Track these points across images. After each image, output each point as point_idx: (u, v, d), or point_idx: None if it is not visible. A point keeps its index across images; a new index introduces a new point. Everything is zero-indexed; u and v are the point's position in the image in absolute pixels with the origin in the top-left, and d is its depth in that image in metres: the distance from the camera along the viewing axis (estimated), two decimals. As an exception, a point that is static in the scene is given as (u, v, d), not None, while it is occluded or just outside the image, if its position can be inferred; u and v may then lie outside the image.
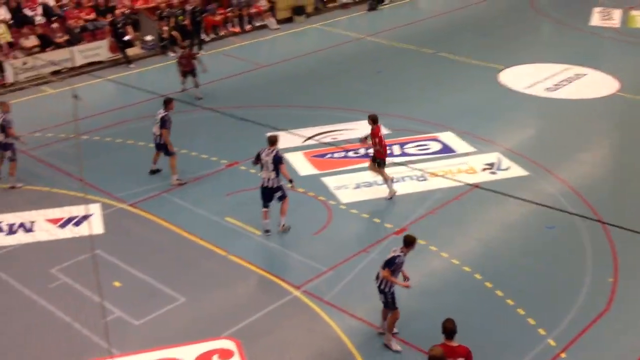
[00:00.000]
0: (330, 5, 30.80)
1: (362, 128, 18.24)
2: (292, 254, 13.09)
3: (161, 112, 15.15)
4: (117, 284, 12.11)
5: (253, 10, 27.68)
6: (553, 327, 11.20)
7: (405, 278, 10.78)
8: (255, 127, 14.57)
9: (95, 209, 14.30)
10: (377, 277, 10.66)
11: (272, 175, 13.36)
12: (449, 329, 8.75)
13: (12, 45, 22.08)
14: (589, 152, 17.46)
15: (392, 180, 15.00)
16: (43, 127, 17.26)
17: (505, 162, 16.58)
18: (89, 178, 14.68)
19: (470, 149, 17.24)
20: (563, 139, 18.08)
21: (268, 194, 13.56)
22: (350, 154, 16.78)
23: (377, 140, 14.68)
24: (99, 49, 23.50)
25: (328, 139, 17.19)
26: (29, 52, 21.93)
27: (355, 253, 13.04)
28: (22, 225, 13.80)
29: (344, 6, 30.92)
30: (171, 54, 24.50)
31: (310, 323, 11.32)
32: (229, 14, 27.10)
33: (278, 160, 13.31)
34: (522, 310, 11.59)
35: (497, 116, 19.42)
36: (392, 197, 14.95)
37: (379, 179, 15.47)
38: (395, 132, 18.06)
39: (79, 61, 22.89)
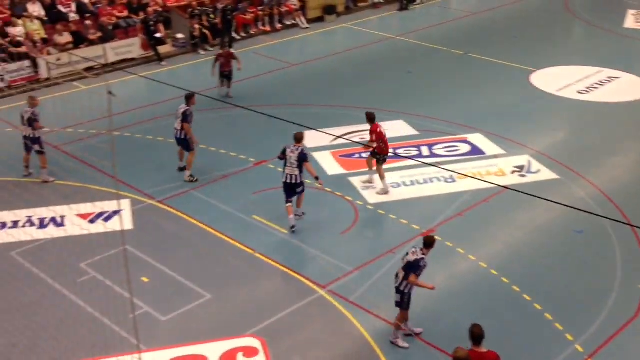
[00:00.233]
0: (361, 4, 30.74)
1: (391, 128, 18.23)
2: (318, 253, 13.10)
3: (183, 107, 15.24)
4: (145, 279, 12.24)
5: (284, 9, 27.74)
6: (581, 332, 11.07)
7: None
8: (284, 126, 14.54)
9: (124, 205, 14.45)
10: (397, 276, 10.63)
11: (296, 172, 13.52)
12: (477, 334, 8.62)
13: (46, 42, 22.40)
14: (620, 156, 17.22)
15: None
16: (76, 123, 17.48)
17: (535, 165, 16.42)
18: (119, 174, 14.83)
19: (500, 151, 17.10)
20: (594, 142, 17.85)
21: (290, 189, 13.72)
22: (379, 154, 16.72)
23: (374, 137, 14.82)
24: (131, 47, 23.74)
25: (356, 139, 17.16)
26: (62, 48, 22.24)
27: (381, 254, 13.02)
28: (53, 219, 13.99)
29: (375, 6, 30.86)
30: (202, 52, 24.69)
31: (335, 323, 11.32)
32: (260, 13, 27.20)
33: (303, 158, 13.48)
34: (550, 315, 11.47)
35: (528, 118, 19.23)
36: (384, 193, 15.04)
37: (407, 180, 15.46)
38: (424, 132, 17.99)
39: (111, 58, 23.16)
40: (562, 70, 22.98)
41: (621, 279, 12.44)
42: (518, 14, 29.94)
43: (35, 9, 23.12)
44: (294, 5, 27.98)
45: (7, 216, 13.89)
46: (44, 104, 15.53)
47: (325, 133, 16.46)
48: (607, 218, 13.59)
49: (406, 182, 15.60)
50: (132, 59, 23.69)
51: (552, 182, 15.68)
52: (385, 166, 15.66)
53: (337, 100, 20.39)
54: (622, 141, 18.03)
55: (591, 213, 13.68)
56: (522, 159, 16.68)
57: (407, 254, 10.54)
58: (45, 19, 23.16)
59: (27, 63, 21.28)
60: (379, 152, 14.98)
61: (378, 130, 14.87)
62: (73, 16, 23.82)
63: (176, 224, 14.14)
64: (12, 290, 11.64)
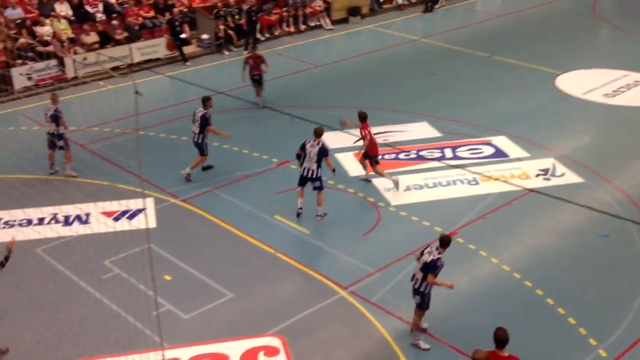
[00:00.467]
0: (386, 6, 30.70)
1: (414, 130, 18.25)
2: (340, 254, 13.11)
3: (200, 111, 15.28)
4: (167, 277, 12.33)
5: (308, 10, 27.79)
6: (604, 337, 10.96)
7: None
8: (308, 127, 14.63)
9: (148, 204, 14.57)
10: (414, 278, 10.59)
11: (314, 166, 13.77)
12: (501, 338, 8.58)
13: (73, 41, 22.66)
14: (647, 160, 17.03)
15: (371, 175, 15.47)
16: (102, 122, 17.67)
17: (560, 168, 16.29)
18: (143, 173, 14.95)
19: (524, 154, 16.99)
20: (620, 146, 17.65)
21: (306, 181, 14.03)
22: (402, 155, 16.71)
23: (362, 135, 14.96)
24: (157, 47, 23.93)
25: (379, 140, 17.14)
26: (89, 48, 22.48)
27: (403, 255, 12.98)
28: (78, 216, 14.15)
29: (400, 7, 30.79)
30: (226, 53, 24.82)
31: (357, 324, 11.32)
32: (285, 14, 27.28)
33: (324, 153, 13.76)
34: (573, 319, 11.37)
35: (553, 121, 19.07)
36: (396, 184, 15.14)
37: (430, 182, 15.44)
38: (447, 135, 17.93)
39: (137, 58, 23.37)
40: (588, 73, 22.75)
41: (646, 284, 12.31)
42: (544, 17, 29.70)
43: (63, 9, 23.40)
44: (319, 6, 28.02)
45: (33, 213, 14.07)
46: (71, 103, 15.73)
47: (350, 133, 16.46)
48: (633, 222, 13.45)
49: (429, 184, 15.55)
50: (157, 59, 23.87)
51: (577, 185, 15.54)
52: (407, 168, 15.69)
53: (360, 101, 20.33)
54: (648, 145, 17.83)
55: (617, 216, 13.57)
56: (547, 162, 16.55)
57: (422, 254, 10.51)
58: (73, 18, 23.44)
59: (54, 62, 21.54)
60: (369, 154, 15.13)
61: (367, 130, 15.03)
62: (100, 16, 24.08)
63: (199, 223, 14.23)
64: (37, 287, 11.77)
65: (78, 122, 16.25)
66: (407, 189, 15.40)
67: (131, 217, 14.01)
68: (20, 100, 20.01)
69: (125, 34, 23.46)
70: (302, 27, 27.60)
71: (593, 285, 12.33)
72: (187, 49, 24.31)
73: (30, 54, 21.20)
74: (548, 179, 15.82)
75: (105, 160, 16.19)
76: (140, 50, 23.49)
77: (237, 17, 25.44)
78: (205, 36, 24.97)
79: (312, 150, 13.76)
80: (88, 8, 24.12)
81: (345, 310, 11.64)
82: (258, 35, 25.80)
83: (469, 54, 24.67)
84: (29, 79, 21.06)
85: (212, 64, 24.01)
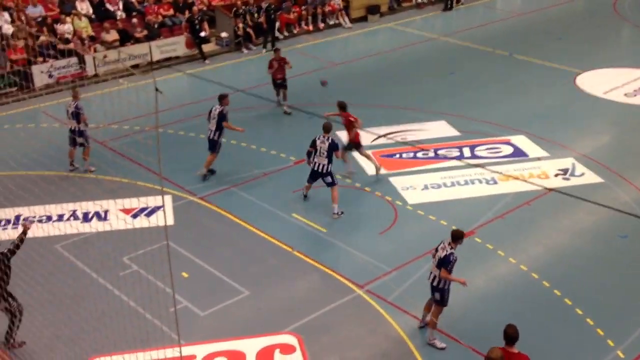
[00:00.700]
0: (405, 4, 30.60)
1: (433, 129, 18.18)
2: (356, 253, 13.11)
3: (217, 108, 15.33)
4: (184, 274, 12.40)
5: (327, 9, 27.78)
6: (622, 338, 10.87)
7: None
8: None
9: (166, 201, 14.66)
10: (432, 275, 10.62)
11: (325, 161, 14.02)
12: (510, 335, 8.65)
13: (93, 39, 22.84)
14: (668, 160, 16.84)
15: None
16: (122, 119, 17.79)
17: (580, 168, 16.16)
18: (162, 170, 15.03)
19: (544, 153, 16.87)
20: (641, 146, 17.50)
21: (317, 177, 14.26)
22: (420, 154, 16.67)
23: (351, 121, 15.19)
24: (176, 45, 24.04)
25: (397, 139, 17.12)
26: (109, 45, 22.64)
27: (420, 255, 12.95)
28: (97, 213, 14.27)
29: (419, 6, 30.68)
30: (245, 51, 24.88)
31: (373, 323, 11.31)
32: (303, 12, 27.29)
33: (334, 147, 14.03)
34: (591, 320, 11.29)
35: (573, 121, 18.92)
36: (378, 173, 15.47)
37: (448, 181, 15.41)
38: (466, 134, 17.84)
39: (156, 56, 23.49)
40: (609, 72, 22.53)
41: (666, 286, 12.18)
42: (564, 15, 29.46)
43: (84, 7, 23.58)
44: (338, 4, 28.00)
45: (53, 209, 14.20)
46: (91, 100, 15.85)
47: (368, 132, 16.46)
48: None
49: (447, 184, 15.50)
50: (177, 57, 23.99)
51: (597, 185, 15.41)
52: (425, 167, 15.65)
53: (379, 100, 20.35)
54: (670, 145, 17.63)
55: (636, 217, 13.43)
56: (566, 162, 16.42)
57: (436, 250, 10.54)
58: (93, 16, 23.62)
59: (74, 60, 21.71)
60: (350, 141, 15.47)
61: (349, 119, 15.27)
62: (120, 14, 24.25)
63: (216, 220, 14.29)
64: (56, 283, 11.88)
65: (98, 119, 16.36)
66: (424, 187, 15.35)
67: (149, 214, 14.10)
68: (40, 97, 20.20)
69: (145, 32, 23.59)
70: (321, 25, 27.59)
71: (612, 286, 12.23)
72: (206, 47, 24.41)
73: (51, 52, 21.40)
74: (567, 179, 15.70)
75: (125, 157, 16.31)
76: (159, 48, 23.62)
77: (256, 15, 25.49)
78: (224, 34, 25.05)
79: (323, 146, 14.05)
80: (108, 6, 24.29)
81: (361, 309, 11.64)
82: (277, 34, 25.84)
83: (489, 53, 24.53)
84: (50, 76, 21.25)
85: (230, 62, 24.08)
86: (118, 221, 13.67)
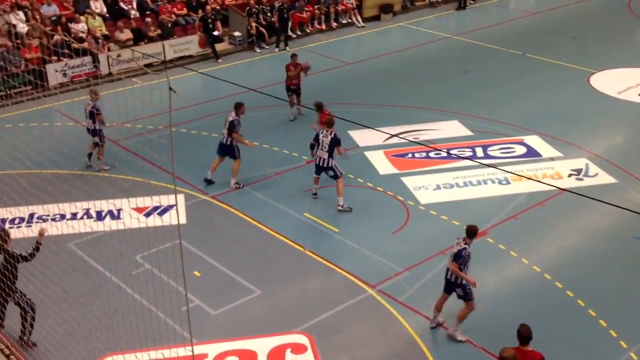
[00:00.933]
0: (418, 3, 30.54)
1: (446, 129, 18.13)
2: (368, 253, 13.09)
3: (231, 116, 15.20)
4: (196, 273, 12.44)
5: (340, 8, 27.76)
6: (636, 339, 10.82)
7: None
8: (339, 124, 14.64)
9: (178, 200, 14.70)
10: (449, 271, 10.73)
11: (325, 155, 14.26)
12: (523, 334, 8.70)
13: (107, 38, 22.94)
14: (683, 161, 16.70)
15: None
16: (134, 118, 17.85)
17: (593, 168, 16.07)
18: (175, 169, 15.07)
19: (557, 153, 16.80)
20: (656, 146, 17.37)
21: (320, 170, 14.52)
22: (432, 154, 16.63)
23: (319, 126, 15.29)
24: (189, 44, 24.10)
25: (410, 139, 17.09)
26: (123, 45, 22.73)
27: (432, 255, 12.94)
28: (110, 211, 14.34)
29: (432, 5, 30.61)
30: (258, 50, 24.91)
31: (384, 323, 11.31)
32: (316, 11, 27.28)
33: (336, 142, 14.18)
34: (604, 321, 11.24)
35: (587, 121, 18.82)
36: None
37: (460, 181, 15.38)
38: (479, 133, 17.79)
39: (170, 55, 23.55)
40: (623, 72, 22.39)
41: (680, 288, 12.09)
42: (578, 14, 29.29)
43: (98, 6, 23.70)
44: (350, 3, 27.97)
45: (67, 208, 14.27)
46: (105, 99, 15.92)
47: (382, 132, 16.46)
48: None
49: (459, 183, 15.46)
50: (190, 56, 24.05)
51: (610, 186, 15.32)
52: (437, 166, 15.61)
53: (391, 99, 20.32)
54: (685, 146, 17.49)
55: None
56: (580, 162, 16.34)
57: (453, 246, 10.68)
58: (107, 15, 23.73)
59: (88, 59, 21.82)
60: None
61: (324, 120, 15.33)
62: (134, 13, 24.35)
63: (228, 219, 14.33)
64: (70, 281, 11.96)
65: (112, 118, 16.40)
66: (437, 187, 15.32)
67: (162, 212, 14.15)
68: (54, 96, 20.31)
69: (159, 31, 23.68)
70: (334, 24, 27.58)
71: (625, 288, 12.16)
72: (219, 46, 24.45)
73: (65, 51, 21.51)
74: (581, 179, 15.63)
75: (138, 156, 16.37)
76: (172, 48, 23.68)
77: (269, 14, 25.52)
78: (237, 33, 25.09)
79: (325, 140, 14.24)
80: (122, 5, 24.40)
81: (373, 309, 11.63)
82: (290, 33, 25.85)
83: (502, 52, 24.43)
84: (64, 75, 21.36)
85: (243, 61, 24.12)
86: (131, 220, 13.72)
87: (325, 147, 14.27)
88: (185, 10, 25.37)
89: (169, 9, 25.06)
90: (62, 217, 14.12)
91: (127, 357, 10.21)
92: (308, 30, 26.94)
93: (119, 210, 14.34)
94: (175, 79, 21.39)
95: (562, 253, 13.20)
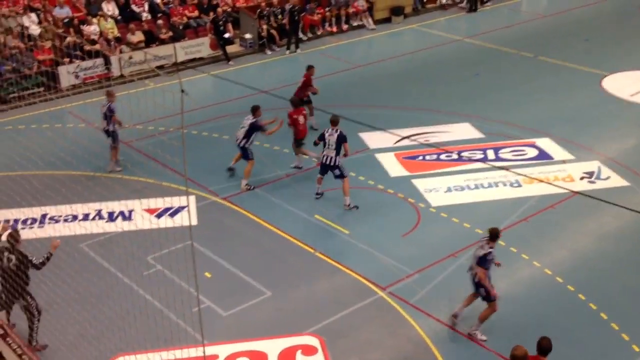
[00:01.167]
0: (429, 6, 30.49)
1: (457, 131, 18.10)
2: (379, 255, 13.08)
3: (250, 119, 15.33)
4: (207, 274, 12.48)
5: (351, 10, 27.77)
6: (648, 344, 10.75)
7: (497, 264, 10.97)
8: (349, 126, 14.66)
9: (189, 201, 14.74)
10: (472, 271, 10.79)
11: (332, 153, 14.33)
12: (544, 347, 8.59)
13: (119, 40, 23.05)
14: (696, 164, 16.60)
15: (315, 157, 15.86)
16: (146, 120, 17.92)
17: (605, 171, 16.00)
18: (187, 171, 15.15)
19: (569, 156, 16.73)
20: (669, 149, 17.27)
21: (326, 169, 14.57)
22: (443, 156, 16.60)
23: (289, 122, 15.80)
24: (200, 46, 24.17)
25: (421, 141, 17.07)
26: (134, 47, 22.83)
27: (443, 257, 12.92)
28: (121, 213, 14.40)
29: (444, 7, 30.56)
30: (268, 52, 24.95)
31: (395, 325, 11.30)
32: (327, 14, 27.30)
33: (343, 139, 14.32)
34: (616, 324, 11.18)
35: (599, 124, 18.73)
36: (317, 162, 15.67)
37: (472, 183, 15.38)
38: (490, 136, 17.75)
39: (181, 57, 23.63)
40: (636, 74, 22.26)
41: (693, 292, 12.02)
42: (591, 17, 29.15)
43: (110, 8, 23.81)
44: (361, 6, 27.97)
45: (79, 209, 14.35)
46: (117, 101, 16.00)
47: (393, 133, 16.45)
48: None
49: (470, 186, 15.43)
50: (201, 58, 24.12)
51: (622, 189, 15.24)
52: (448, 169, 15.62)
53: (402, 101, 20.30)
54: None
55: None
56: (592, 165, 16.27)
57: (477, 248, 10.74)
58: (119, 18, 23.84)
59: (100, 61, 21.93)
60: (296, 137, 16.03)
61: (293, 117, 15.78)
62: (145, 16, 24.44)
63: (239, 221, 14.36)
64: (82, 281, 12.02)
65: (124, 119, 16.46)
66: (448, 190, 15.30)
67: (173, 214, 14.19)
68: (67, 98, 20.42)
69: (170, 34, 23.77)
70: (345, 26, 27.58)
71: (637, 291, 12.10)
72: (230, 49, 24.51)
73: (77, 53, 21.63)
74: (593, 182, 15.56)
75: (150, 158, 16.44)
76: (184, 50, 23.77)
77: (280, 16, 25.56)
78: (248, 36, 25.14)
79: (331, 138, 14.33)
80: (134, 8, 24.50)
81: (383, 311, 11.62)
82: (300, 35, 25.88)
83: (514, 55, 24.36)
84: (76, 77, 21.48)
85: (254, 64, 24.15)
86: (143, 221, 13.78)
87: (332, 145, 14.32)
88: (196, 13, 25.44)
89: (181, 11, 25.13)
90: (74, 217, 14.20)
91: (139, 358, 10.25)
92: (319, 33, 26.96)
93: (130, 211, 14.40)
94: (186, 81, 21.36)
95: (573, 256, 13.15)
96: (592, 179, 15.71)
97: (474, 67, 23.23)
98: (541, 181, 14.91)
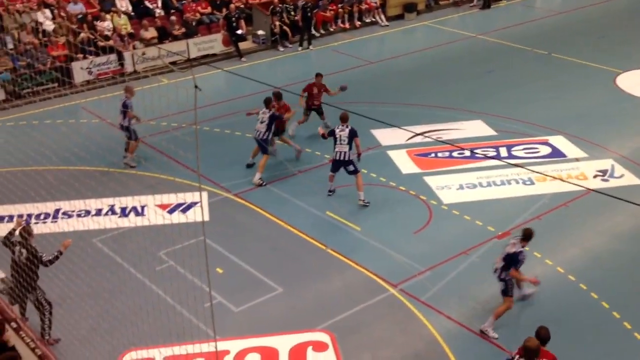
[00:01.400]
0: (443, 2, 30.39)
1: (469, 128, 18.04)
2: (390, 252, 13.08)
3: (266, 112, 15.49)
4: (219, 270, 12.52)
5: (364, 7, 27.73)
6: (661, 344, 10.70)
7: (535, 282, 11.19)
8: (361, 123, 14.62)
9: (202, 197, 14.79)
10: (495, 265, 10.86)
11: (345, 149, 14.33)
12: (543, 336, 8.75)
13: (132, 36, 23.13)
14: None
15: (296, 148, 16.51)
16: (159, 116, 17.98)
17: (619, 169, 15.91)
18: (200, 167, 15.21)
19: (582, 154, 16.65)
20: (683, 148, 17.14)
21: (339, 166, 14.56)
22: (455, 154, 16.56)
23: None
24: (213, 42, 24.22)
25: (433, 138, 17.03)
26: (147, 43, 22.91)
27: (455, 255, 12.90)
28: (134, 208, 14.47)
29: (457, 4, 30.45)
30: (281, 49, 24.96)
31: (406, 322, 11.30)
32: (340, 10, 27.26)
33: (354, 134, 14.36)
34: (629, 323, 11.14)
35: (613, 121, 18.61)
36: (299, 155, 16.37)
37: (484, 181, 15.35)
38: (503, 133, 17.68)
39: (194, 53, 23.67)
40: (651, 72, 22.14)
41: None
42: (605, 14, 28.94)
43: (123, 4, 23.90)
44: (374, 2, 27.92)
45: (93, 204, 14.44)
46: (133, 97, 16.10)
47: (406, 130, 16.41)
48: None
49: (482, 183, 15.39)
50: (214, 55, 24.16)
51: (636, 187, 15.15)
52: (460, 166, 15.61)
53: (415, 98, 20.26)
54: None
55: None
56: (606, 163, 16.18)
57: (508, 245, 10.84)
58: (132, 14, 23.92)
59: (113, 56, 22.02)
60: (282, 128, 16.37)
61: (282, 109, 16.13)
62: (159, 12, 24.52)
63: (251, 217, 14.39)
64: (95, 276, 12.08)
65: (138, 115, 16.53)
66: (460, 187, 15.26)
67: (185, 210, 14.25)
68: (80, 93, 20.52)
69: (183, 30, 23.82)
70: (357, 23, 27.54)
71: (650, 290, 12.04)
72: (243, 45, 24.53)
73: (91, 49, 21.72)
74: (606, 180, 15.48)
75: (163, 154, 16.50)
76: (197, 46, 23.81)
77: (292, 13, 25.56)
78: (260, 32, 25.16)
79: (343, 134, 14.37)
80: (147, 4, 24.58)
81: (394, 308, 11.63)
82: (313, 32, 25.87)
83: (528, 52, 24.24)
84: (89, 73, 21.58)
85: (267, 60, 24.18)
86: (155, 216, 13.84)
87: (344, 141, 14.33)
88: (209, 9, 25.48)
89: (194, 7, 25.19)
90: (88, 213, 14.29)
91: (151, 352, 10.32)
92: (331, 29, 26.94)
93: (143, 207, 14.46)
94: (199, 77, 21.48)
95: (586, 254, 13.09)
96: (606, 177, 15.63)
97: (487, 64, 23.14)
98: (555, 179, 14.84)
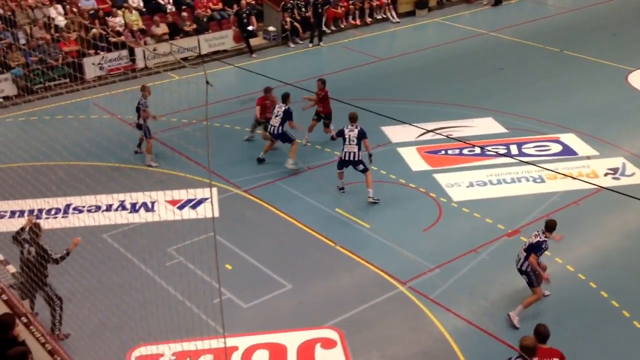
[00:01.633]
0: (454, -1, 30.31)
1: (480, 126, 18.00)
2: (399, 249, 13.07)
3: (282, 106, 15.57)
4: (228, 266, 12.55)
5: (375, 3, 27.68)
6: (671, 344, 10.65)
7: (546, 279, 11.19)
8: (371, 120, 14.62)
9: (212, 193, 14.82)
10: (518, 258, 10.98)
11: (355, 149, 14.31)
12: (542, 333, 8.73)
13: (143, 32, 23.19)
14: None
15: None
16: (169, 112, 18.04)
17: (630, 167, 15.82)
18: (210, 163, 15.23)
19: (593, 152, 16.57)
20: (696, 146, 17.02)
21: (346, 165, 14.56)
22: (465, 151, 16.52)
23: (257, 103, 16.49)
24: (224, 38, 24.24)
25: (444, 135, 16.98)
26: (158, 39, 22.96)
27: (464, 252, 12.88)
28: (144, 204, 14.53)
29: (468, 0, 30.33)
30: (292, 45, 24.95)
31: (415, 320, 11.29)
32: (351, 7, 27.23)
33: (363, 135, 14.33)
34: (638, 322, 11.09)
35: (624, 119, 18.51)
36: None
37: (494, 178, 15.33)
38: (513, 131, 17.62)
39: (205, 49, 23.72)
40: (664, 69, 21.99)
41: None
42: (618, 11, 28.76)
43: (135, 0, 23.97)
44: (386, -1, 27.87)
45: (103, 199, 14.50)
46: (139, 93, 16.13)
47: (416, 127, 16.37)
48: None
49: (493, 181, 15.35)
50: (224, 51, 24.19)
51: (648, 186, 15.07)
52: (470, 163, 15.56)
53: (425, 95, 20.22)
54: None
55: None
56: (617, 161, 16.10)
57: (531, 237, 11.00)
58: (144, 10, 23.99)
59: (124, 52, 22.08)
60: (267, 121, 16.27)
61: (261, 103, 16.41)
62: (170, 8, 24.56)
63: (260, 213, 14.41)
64: (105, 271, 12.14)
65: (149, 111, 16.59)
66: (470, 185, 15.24)
67: (195, 205, 14.28)
68: (92, 89, 20.60)
69: (194, 26, 23.86)
70: (368, 20, 27.50)
71: (661, 290, 11.98)
72: (254, 41, 24.54)
73: (102, 44, 21.78)
74: (617, 179, 15.40)
75: (174, 150, 16.54)
76: (208, 42, 23.85)
77: (303, 9, 25.55)
78: (271, 28, 25.17)
79: (352, 134, 14.32)
80: (159, 0, 24.62)
81: (403, 306, 11.62)
82: (324, 28, 25.85)
83: (539, 49, 24.12)
84: (101, 68, 21.65)
85: (277, 56, 24.18)
86: (164, 212, 13.89)
87: (353, 141, 14.31)
88: (220, 5, 25.53)
89: (205, 3, 25.23)
90: (98, 208, 14.35)
91: (160, 348, 10.35)
92: (342, 26, 26.92)
93: (153, 203, 14.51)
94: (210, 73, 21.50)
95: (596, 253, 13.04)
96: (617, 175, 15.55)
97: (498, 61, 23.06)
98: (566, 176, 14.78)
